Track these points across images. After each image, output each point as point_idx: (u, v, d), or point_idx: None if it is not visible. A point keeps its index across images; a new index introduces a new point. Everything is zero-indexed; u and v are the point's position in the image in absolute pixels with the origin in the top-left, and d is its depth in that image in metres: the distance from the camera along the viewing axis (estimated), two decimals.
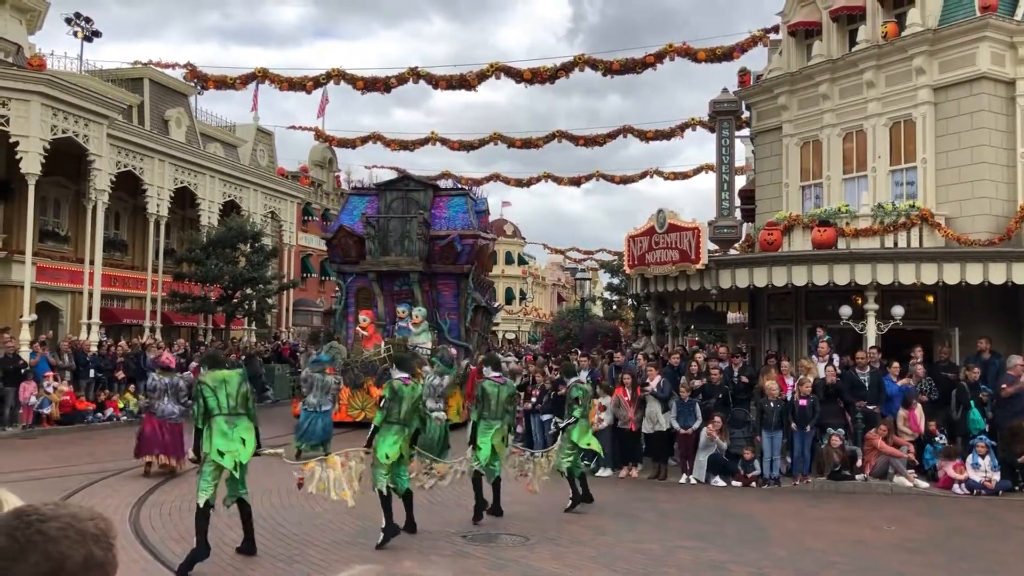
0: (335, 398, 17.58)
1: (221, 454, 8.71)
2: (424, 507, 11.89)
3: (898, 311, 16.67)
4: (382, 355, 21.61)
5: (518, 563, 9.12)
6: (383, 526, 9.48)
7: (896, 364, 15.98)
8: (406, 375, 10.47)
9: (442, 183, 31.44)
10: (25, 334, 22.32)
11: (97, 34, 34.35)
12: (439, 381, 14.79)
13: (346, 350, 22.23)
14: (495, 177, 41.85)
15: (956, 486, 13.98)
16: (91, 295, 26.18)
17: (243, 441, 8.91)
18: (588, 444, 12.75)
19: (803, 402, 14.62)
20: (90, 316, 26.08)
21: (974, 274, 16.25)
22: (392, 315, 23.92)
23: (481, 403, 11.43)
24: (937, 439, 15.02)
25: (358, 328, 23.38)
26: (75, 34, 33.38)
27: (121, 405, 22.07)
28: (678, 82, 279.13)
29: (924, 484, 14.31)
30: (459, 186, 30.40)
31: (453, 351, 22.91)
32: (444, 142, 35.15)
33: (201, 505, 8.63)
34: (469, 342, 24.78)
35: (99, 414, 21.36)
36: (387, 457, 9.72)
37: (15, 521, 1.35)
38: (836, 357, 16.40)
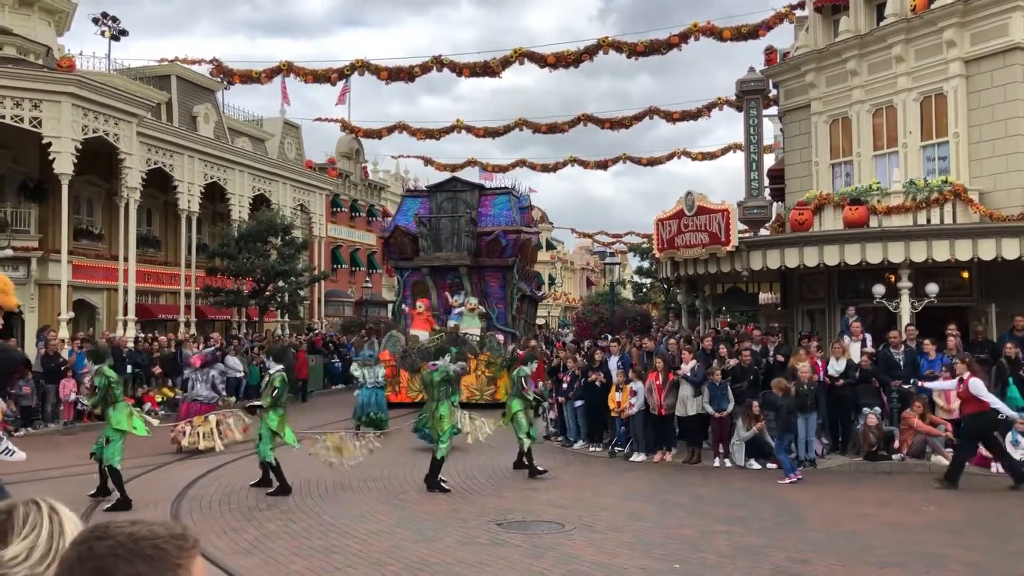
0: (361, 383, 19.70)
1: (135, 428, 11.78)
2: (459, 495, 11.99)
3: (932, 288, 16.45)
4: (436, 342, 22.71)
5: (555, 550, 9.15)
6: (279, 485, 11.96)
7: (930, 343, 15.77)
8: (282, 367, 12.74)
9: (467, 171, 31.77)
10: (63, 332, 22.71)
11: (124, 33, 34.72)
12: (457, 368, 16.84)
13: (404, 338, 24.49)
14: (522, 163, 41.70)
15: (995, 465, 13.78)
16: (126, 291, 26.56)
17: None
18: (507, 424, 14.08)
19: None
20: (126, 312, 26.46)
21: (1010, 249, 16.00)
22: (445, 305, 25.59)
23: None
24: None
25: (415, 311, 25.10)
26: (102, 33, 33.75)
27: (159, 400, 22.36)
28: (709, 60, 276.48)
29: None
30: (502, 185, 30.78)
31: (500, 337, 24.37)
32: (469, 129, 35.09)
33: (118, 468, 11.18)
34: (515, 328, 26.47)
35: (137, 409, 21.66)
36: (272, 430, 12.13)
37: (80, 537, 1.47)
38: (869, 337, 16.22)
